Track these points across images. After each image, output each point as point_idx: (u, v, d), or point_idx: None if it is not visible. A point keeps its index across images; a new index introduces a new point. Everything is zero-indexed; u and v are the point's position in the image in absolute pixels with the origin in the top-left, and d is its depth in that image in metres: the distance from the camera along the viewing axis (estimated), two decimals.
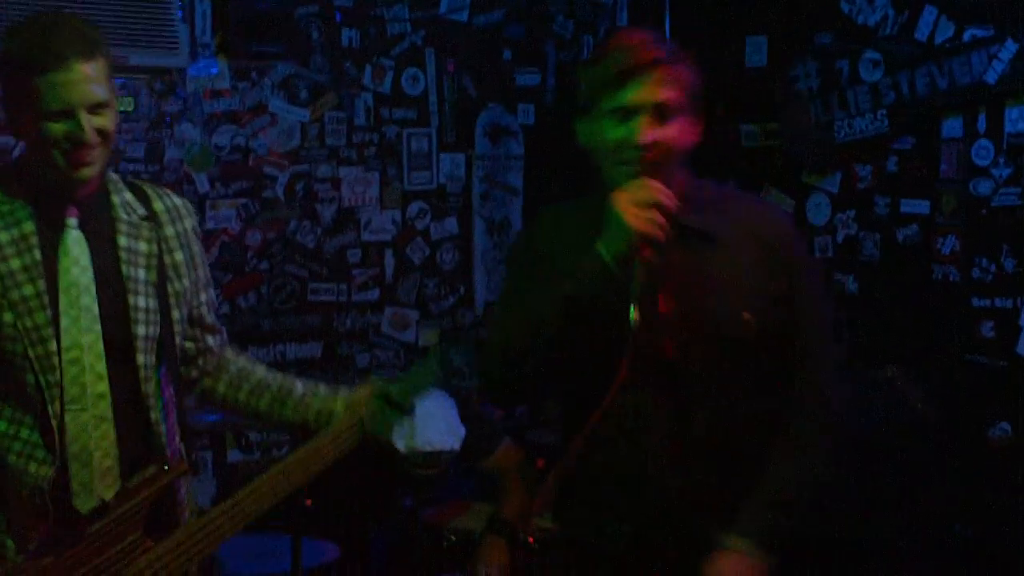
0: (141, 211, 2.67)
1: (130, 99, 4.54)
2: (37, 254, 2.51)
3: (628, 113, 2.43)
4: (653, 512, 2.52)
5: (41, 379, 2.49)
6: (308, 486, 3.44)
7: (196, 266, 2.78)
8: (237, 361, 2.91)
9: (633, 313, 2.35)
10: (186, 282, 2.72)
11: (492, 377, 2.64)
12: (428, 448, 4.00)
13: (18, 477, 2.51)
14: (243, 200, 4.81)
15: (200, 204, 4.70)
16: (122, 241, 2.61)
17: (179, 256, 2.71)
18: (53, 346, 2.49)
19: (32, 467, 2.50)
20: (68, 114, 2.45)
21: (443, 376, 2.80)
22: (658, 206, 2.35)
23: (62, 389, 2.50)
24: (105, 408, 2.55)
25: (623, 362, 2.39)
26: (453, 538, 3.81)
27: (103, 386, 2.55)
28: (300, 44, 4.88)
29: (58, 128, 2.45)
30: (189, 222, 2.78)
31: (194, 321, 2.79)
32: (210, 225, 4.73)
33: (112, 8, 4.37)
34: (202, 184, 4.71)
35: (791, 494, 2.51)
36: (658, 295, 2.46)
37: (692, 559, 2.48)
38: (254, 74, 4.80)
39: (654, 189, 2.37)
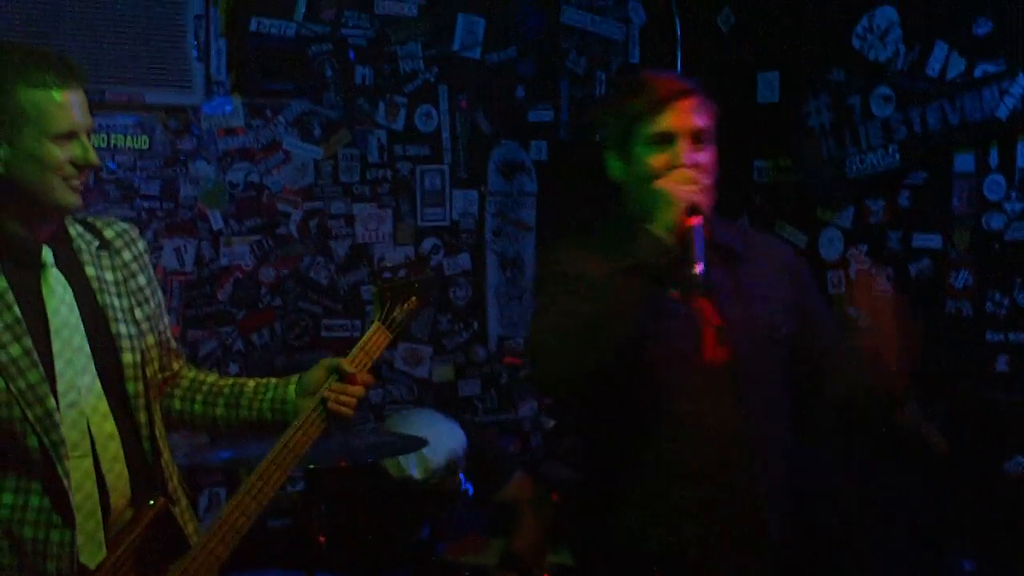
0: (95, 240, 2.58)
1: (145, 137, 4.57)
2: (16, 310, 2.39)
3: (668, 138, 2.60)
4: (725, 512, 2.65)
5: (45, 440, 2.36)
6: (322, 523, 3.47)
7: (155, 289, 2.71)
8: (188, 374, 2.81)
9: (697, 270, 2.43)
10: (152, 305, 2.65)
11: (554, 370, 2.61)
12: (440, 464, 4.02)
13: (41, 551, 2.38)
14: (257, 237, 4.82)
15: (214, 241, 4.72)
16: (90, 271, 2.52)
17: (142, 279, 2.65)
18: (52, 403, 2.37)
19: (54, 535, 2.38)
20: (73, 136, 2.38)
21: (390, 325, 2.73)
22: (699, 183, 2.53)
23: (66, 444, 2.38)
24: (116, 449, 2.46)
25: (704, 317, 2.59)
26: (468, 574, 3.80)
27: (110, 426, 2.46)
28: (314, 81, 4.90)
29: (62, 151, 2.37)
30: (141, 244, 2.71)
31: (162, 344, 2.70)
32: (224, 262, 4.75)
33: (127, 46, 4.41)
34: (216, 221, 4.73)
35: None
36: (707, 308, 2.65)
37: (760, 554, 2.66)
38: (268, 111, 4.82)
39: (693, 173, 2.54)
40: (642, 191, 2.62)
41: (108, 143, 4.49)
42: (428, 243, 5.20)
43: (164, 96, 4.55)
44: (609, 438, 2.76)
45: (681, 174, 2.55)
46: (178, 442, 4.54)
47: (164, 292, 4.48)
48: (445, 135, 5.22)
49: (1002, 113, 4.14)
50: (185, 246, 4.68)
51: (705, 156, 2.62)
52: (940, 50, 4.38)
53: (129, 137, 4.54)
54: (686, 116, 2.62)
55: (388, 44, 5.05)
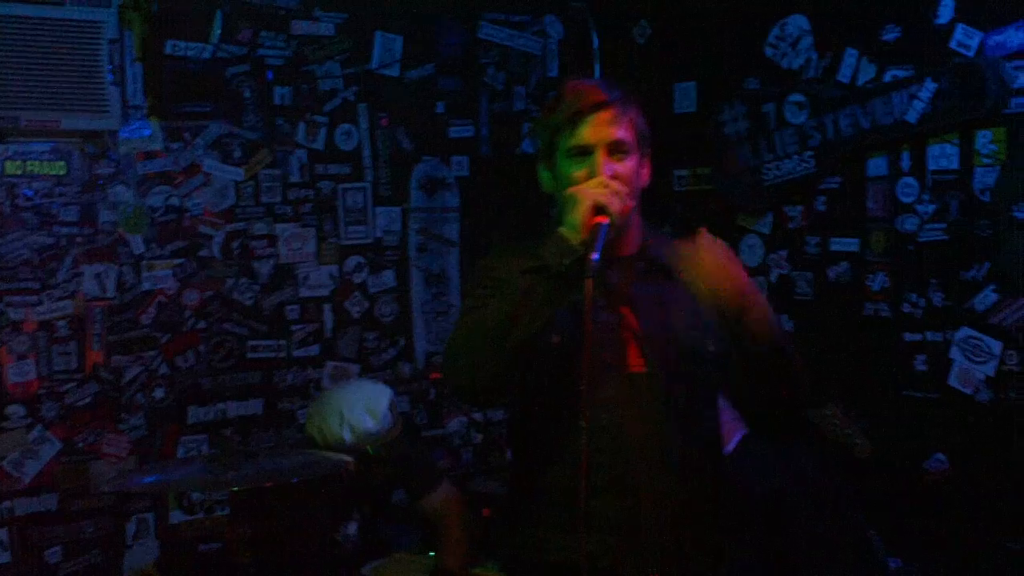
0: None
1: (62, 163, 4.53)
2: None
3: (585, 150, 2.62)
4: (637, 526, 2.64)
5: None
6: (248, 542, 3.46)
7: None
8: None
9: (593, 257, 2.44)
10: None
11: (461, 371, 2.64)
12: (369, 425, 4.03)
13: None
14: (179, 260, 4.79)
15: (136, 265, 4.69)
16: None
17: None
18: None
19: None
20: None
21: None
22: (611, 188, 2.54)
23: None
24: None
25: (589, 301, 2.47)
26: None
27: None
28: (232, 103, 4.89)
29: None
30: None
31: None
32: (146, 286, 4.71)
33: (42, 72, 4.37)
34: (137, 246, 4.70)
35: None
36: (630, 320, 2.66)
37: (676, 571, 2.65)
38: (187, 134, 4.80)
39: (606, 178, 2.56)
40: (561, 200, 2.65)
41: (24, 170, 4.45)
42: (352, 261, 5.20)
43: (80, 121, 4.51)
44: (530, 447, 2.77)
45: (597, 181, 2.57)
46: (103, 469, 4.55)
47: (86, 318, 4.50)
48: (366, 153, 5.22)
49: (911, 117, 4.22)
50: (106, 272, 4.64)
51: (624, 167, 2.63)
52: (850, 56, 4.46)
53: (46, 163, 4.50)
54: (602, 129, 2.62)
55: (306, 63, 5.04)
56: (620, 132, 2.64)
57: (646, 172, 2.75)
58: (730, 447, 3.77)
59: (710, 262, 2.57)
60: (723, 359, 2.68)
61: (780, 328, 2.69)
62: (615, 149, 2.63)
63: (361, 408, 4.04)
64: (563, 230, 2.53)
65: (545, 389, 2.66)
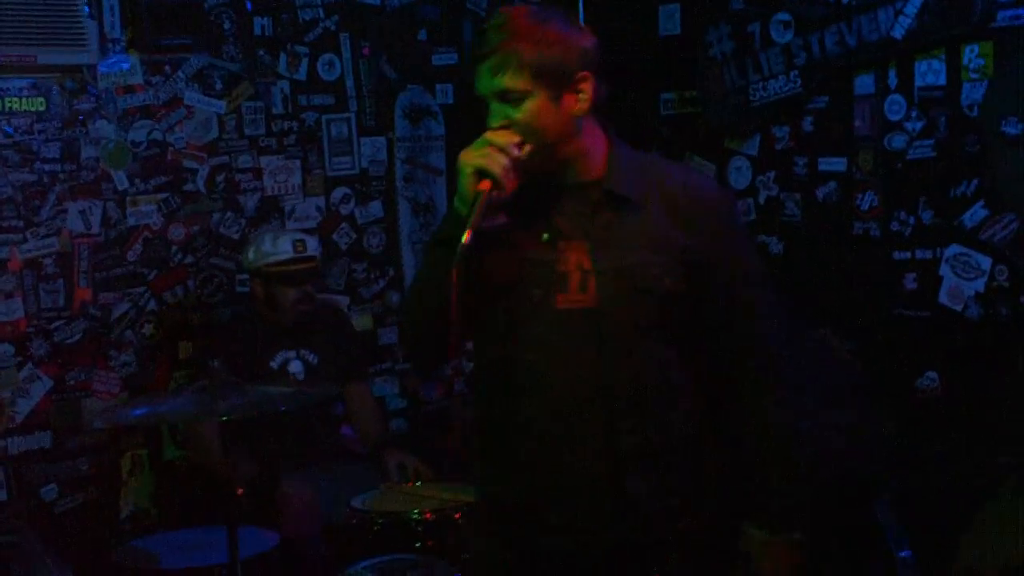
0: None
1: (41, 99, 4.48)
2: None
3: (484, 101, 2.50)
4: (575, 470, 2.52)
5: None
6: (240, 475, 3.47)
7: None
8: None
9: (464, 239, 2.34)
10: None
11: (409, 341, 2.70)
12: (267, 247, 4.54)
13: None
14: (164, 195, 4.76)
15: (120, 201, 4.66)
16: None
17: None
18: None
19: None
20: None
21: None
22: (494, 144, 2.40)
23: None
24: None
25: (454, 288, 2.36)
26: (380, 521, 3.83)
27: None
28: (212, 35, 4.83)
29: None
30: None
31: None
32: (131, 222, 4.68)
33: (16, 6, 4.31)
34: (121, 181, 4.66)
35: (789, 462, 2.59)
36: (582, 254, 2.50)
37: (617, 518, 2.53)
38: (167, 67, 4.75)
39: (490, 134, 2.43)
40: None
41: (3, 107, 4.40)
42: (338, 192, 5.17)
43: (58, 56, 4.46)
44: (474, 381, 2.73)
45: (481, 140, 2.43)
46: (95, 405, 4.55)
47: (72, 255, 4.48)
48: (349, 83, 5.18)
49: (898, 33, 4.18)
50: (91, 208, 4.61)
51: (522, 113, 2.45)
52: None
53: (25, 100, 4.45)
54: (487, 78, 2.47)
55: None
56: (506, 79, 2.44)
57: (579, 102, 2.49)
58: None
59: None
60: (679, 296, 2.52)
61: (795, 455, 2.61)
62: (504, 98, 2.46)
63: (268, 238, 4.58)
64: (455, 199, 2.45)
65: (480, 326, 2.58)
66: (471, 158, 2.40)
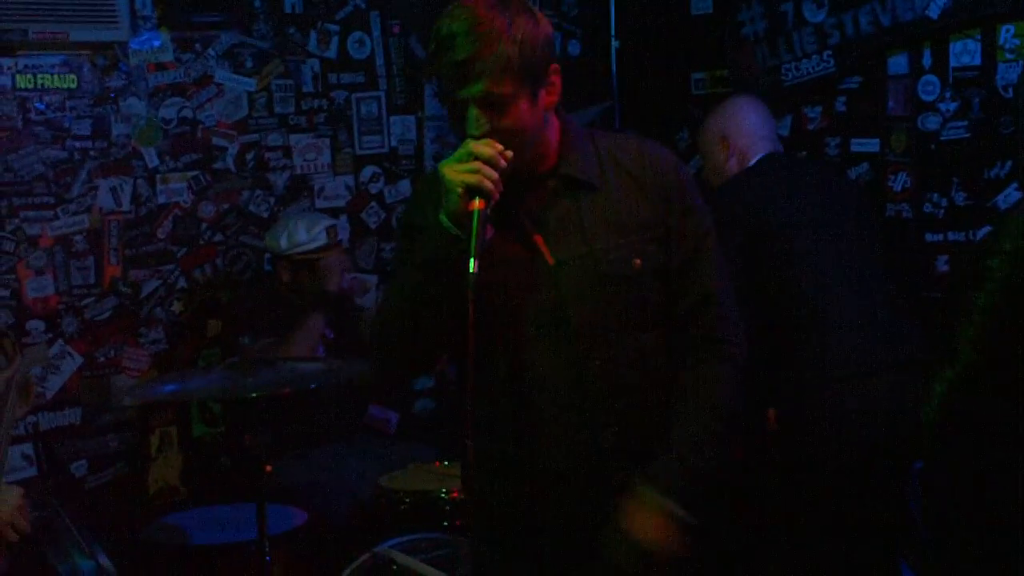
0: None
1: (73, 76, 4.49)
2: None
3: (460, 105, 2.31)
4: (558, 469, 2.45)
5: None
6: (267, 451, 3.49)
7: None
8: None
9: (472, 267, 2.19)
10: None
11: (375, 348, 2.53)
12: (302, 236, 4.49)
13: None
14: (194, 172, 4.77)
15: (150, 179, 4.66)
16: None
17: None
18: None
19: None
20: None
21: None
22: (480, 158, 2.25)
23: None
24: None
25: (471, 314, 2.22)
26: (408, 500, 3.84)
27: None
28: (242, 12, 4.82)
29: None
30: None
31: None
32: (161, 199, 4.69)
33: None
34: (151, 158, 4.67)
35: (708, 450, 2.44)
36: (540, 247, 2.41)
37: (596, 516, 2.43)
38: (197, 45, 4.75)
39: (475, 146, 2.26)
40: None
41: (35, 83, 4.41)
42: (368, 171, 5.17)
43: (90, 33, 4.46)
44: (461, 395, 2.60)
45: (463, 151, 2.27)
46: (124, 382, 4.57)
47: (102, 233, 4.49)
48: (379, 61, 5.17)
49: (933, 12, 4.14)
50: (121, 185, 4.62)
51: (507, 119, 2.30)
52: None
53: (56, 76, 4.46)
54: (465, 83, 2.28)
55: None
56: (489, 84, 2.26)
57: (551, 94, 2.39)
58: None
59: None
60: (651, 275, 2.45)
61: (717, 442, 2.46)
62: (486, 103, 2.28)
63: (302, 226, 4.50)
64: (441, 217, 2.28)
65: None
66: (459, 175, 2.24)
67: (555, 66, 2.38)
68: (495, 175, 2.25)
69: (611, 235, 2.43)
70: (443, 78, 2.31)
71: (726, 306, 2.53)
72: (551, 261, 2.40)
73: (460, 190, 2.24)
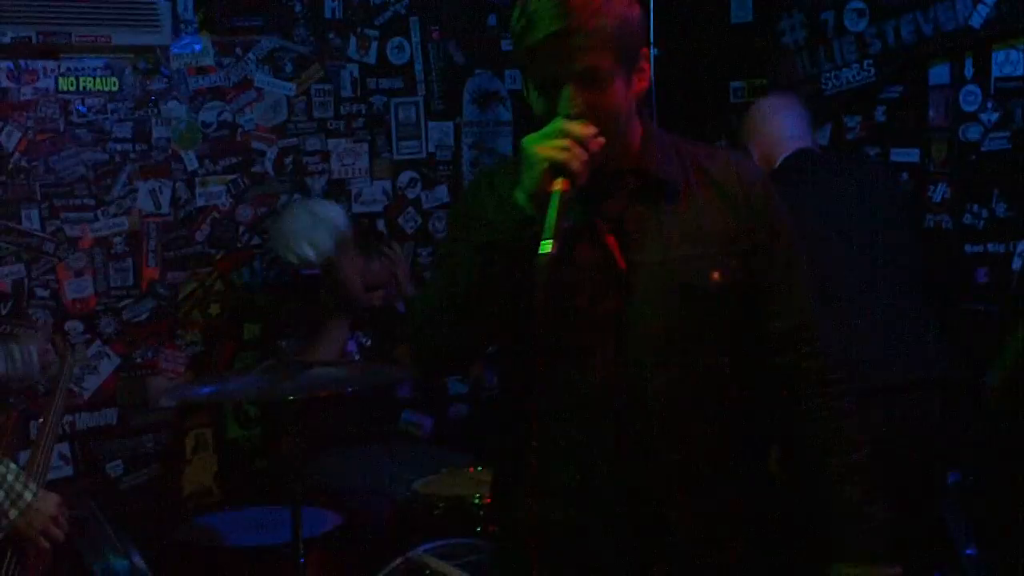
0: None
1: (114, 79, 4.52)
2: None
3: (551, 83, 2.14)
4: (610, 499, 2.24)
5: None
6: (304, 455, 3.50)
7: None
8: None
9: (547, 249, 1.98)
10: None
11: (419, 342, 2.35)
12: (328, 245, 4.44)
13: None
14: (232, 176, 4.79)
15: (189, 181, 4.69)
16: None
17: None
18: None
19: None
20: None
21: None
22: (571, 136, 2.06)
23: None
24: None
25: (539, 316, 2.07)
26: (442, 505, 3.83)
27: None
28: (283, 17, 4.85)
29: None
30: None
31: None
32: (200, 202, 4.72)
33: None
34: (191, 161, 4.70)
35: (874, 492, 2.29)
36: (613, 249, 2.22)
37: (652, 547, 2.25)
38: (238, 49, 4.77)
39: (567, 124, 2.08)
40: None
41: (78, 86, 4.45)
42: (405, 176, 5.18)
43: (132, 36, 4.50)
44: (503, 384, 2.52)
45: (553, 128, 2.08)
46: (161, 384, 4.59)
47: (141, 235, 4.52)
48: (418, 67, 5.18)
49: (976, 22, 4.11)
50: (160, 188, 4.65)
51: (604, 99, 2.14)
52: None
53: (99, 79, 4.50)
54: (566, 58, 2.12)
55: None
56: (591, 57, 2.11)
57: (641, 80, 2.24)
58: None
59: None
60: (730, 291, 2.25)
61: None
62: (588, 80, 2.12)
63: (305, 242, 4.42)
64: (518, 195, 2.08)
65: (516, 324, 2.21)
66: (547, 151, 2.05)
67: (646, 50, 2.25)
68: (585, 156, 2.06)
69: (691, 244, 2.24)
70: (535, 56, 2.13)
71: (824, 340, 2.34)
72: (623, 265, 2.21)
73: (545, 166, 2.04)
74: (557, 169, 2.04)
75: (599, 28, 2.11)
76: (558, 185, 2.04)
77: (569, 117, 2.10)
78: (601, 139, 2.10)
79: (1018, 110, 4.08)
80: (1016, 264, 4.14)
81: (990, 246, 4.22)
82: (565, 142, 2.05)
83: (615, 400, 2.21)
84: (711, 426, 2.27)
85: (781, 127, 4.06)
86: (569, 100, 2.11)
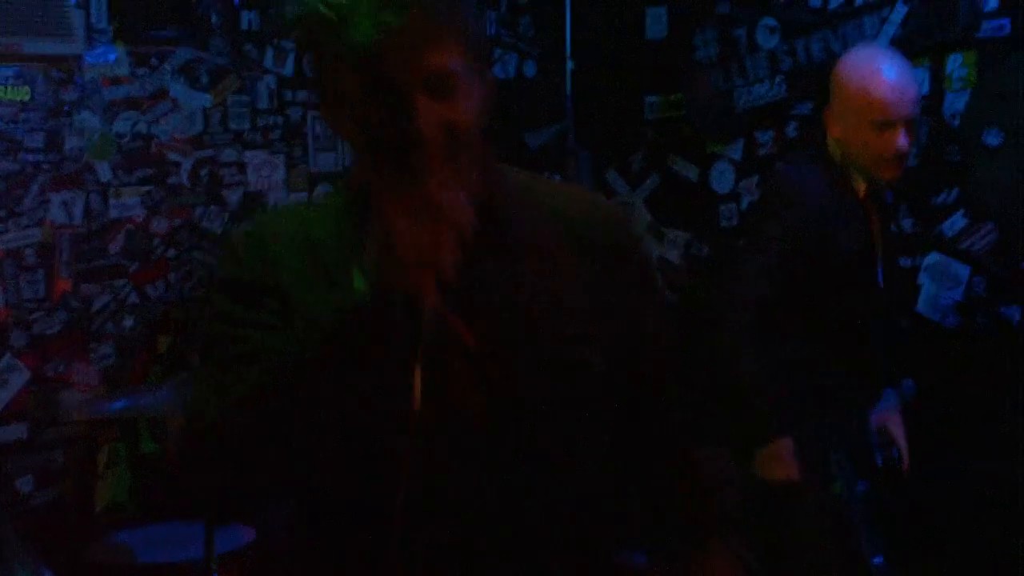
0: None
1: (26, 88, 4.46)
2: None
3: (386, 89, 1.53)
4: None
5: None
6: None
7: None
8: None
9: (416, 380, 1.56)
10: None
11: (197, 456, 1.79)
12: None
13: None
14: (147, 187, 4.75)
15: (103, 193, 4.64)
16: None
17: None
18: None
19: None
20: None
21: None
22: (447, 218, 1.52)
23: None
24: None
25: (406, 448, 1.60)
26: None
27: None
28: (199, 28, 4.82)
29: None
30: None
31: None
32: (114, 214, 4.67)
33: None
34: (104, 172, 4.65)
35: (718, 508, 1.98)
36: (460, 333, 1.64)
37: None
38: (153, 59, 4.74)
39: (439, 196, 1.52)
40: (362, 162, 1.69)
41: None
42: (322, 189, 5.17)
43: (44, 45, 4.44)
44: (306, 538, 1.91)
45: (421, 191, 1.53)
46: (73, 397, 4.54)
47: (53, 246, 4.47)
48: None
49: (883, 41, 4.20)
50: (73, 199, 4.59)
51: (462, 112, 1.59)
52: None
53: (10, 88, 4.43)
54: (409, 55, 1.54)
55: None
56: (442, 57, 1.57)
57: (488, 87, 1.67)
58: None
59: None
60: (612, 377, 1.76)
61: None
62: (438, 86, 1.56)
63: None
64: (358, 282, 1.53)
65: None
66: (419, 237, 1.49)
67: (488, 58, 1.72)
68: (459, 252, 1.53)
69: (563, 316, 1.72)
70: (363, 56, 1.53)
71: (682, 408, 1.96)
72: (471, 346, 1.65)
73: (413, 260, 1.50)
74: (428, 264, 1.51)
75: (450, 18, 1.59)
76: (431, 294, 1.53)
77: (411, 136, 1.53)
78: (471, 212, 1.54)
79: (923, 127, 4.17)
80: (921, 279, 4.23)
81: (902, 261, 4.30)
82: (443, 230, 1.51)
83: (487, 519, 1.71)
84: (597, 522, 1.84)
85: None
86: (413, 113, 1.53)
